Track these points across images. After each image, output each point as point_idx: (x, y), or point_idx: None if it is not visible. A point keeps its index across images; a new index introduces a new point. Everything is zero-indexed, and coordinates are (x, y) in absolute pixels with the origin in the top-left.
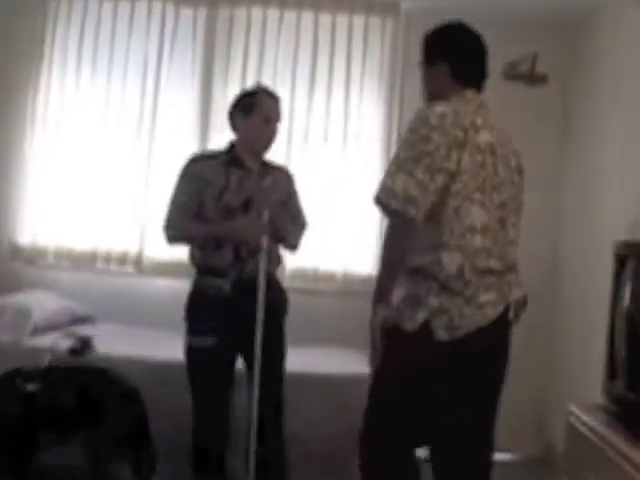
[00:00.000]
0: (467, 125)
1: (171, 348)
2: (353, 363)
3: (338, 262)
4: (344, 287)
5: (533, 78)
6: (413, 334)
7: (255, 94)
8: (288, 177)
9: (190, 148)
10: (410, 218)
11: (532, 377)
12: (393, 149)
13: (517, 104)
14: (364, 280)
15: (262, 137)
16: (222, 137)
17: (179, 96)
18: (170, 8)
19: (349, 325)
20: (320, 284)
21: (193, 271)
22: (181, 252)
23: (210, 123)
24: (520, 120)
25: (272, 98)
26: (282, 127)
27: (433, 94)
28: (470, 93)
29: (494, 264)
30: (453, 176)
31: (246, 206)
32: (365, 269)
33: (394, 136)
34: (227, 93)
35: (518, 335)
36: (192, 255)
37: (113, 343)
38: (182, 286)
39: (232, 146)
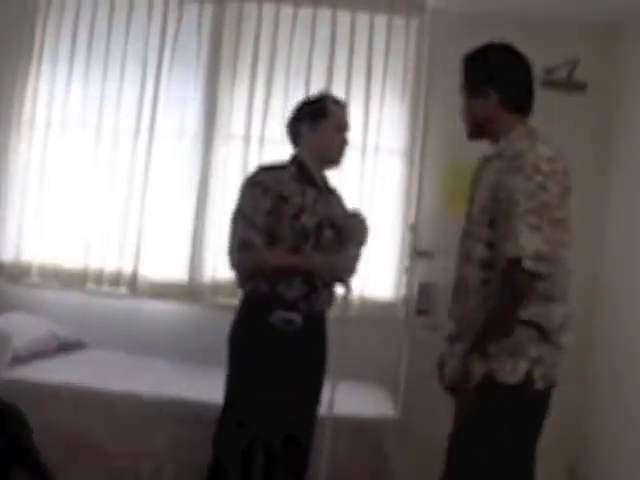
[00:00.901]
0: (561, 168)
1: (170, 382)
2: (379, 403)
3: (355, 286)
4: (361, 313)
5: (571, 86)
6: (515, 386)
7: (322, 101)
8: (340, 198)
9: (192, 157)
10: (540, 275)
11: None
12: (417, 162)
13: (554, 113)
14: (383, 306)
15: (335, 147)
16: (229, 146)
17: (181, 98)
18: (173, 2)
19: (368, 355)
20: (335, 310)
21: (242, 299)
22: (180, 272)
23: (216, 129)
24: (558, 130)
25: (340, 105)
26: None
27: (480, 125)
28: (528, 123)
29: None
30: (565, 226)
31: (319, 229)
32: (385, 294)
33: (418, 148)
34: (234, 96)
35: None
36: (248, 281)
37: (103, 373)
38: (181, 309)
39: (298, 160)
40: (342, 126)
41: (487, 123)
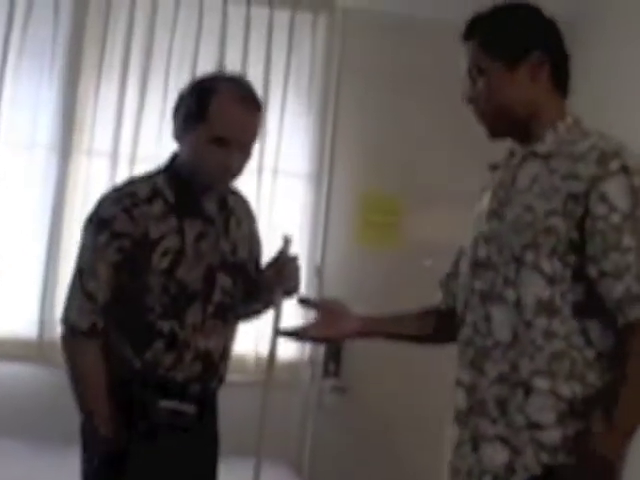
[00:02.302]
0: None
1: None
2: None
3: (249, 342)
4: (257, 377)
5: None
6: None
7: (214, 86)
8: (249, 218)
9: (46, 175)
10: None
11: None
12: (325, 188)
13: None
14: (284, 368)
15: (210, 166)
16: (91, 162)
17: (31, 97)
18: None
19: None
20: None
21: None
22: (27, 327)
23: (74, 134)
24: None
25: (246, 103)
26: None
27: (518, 113)
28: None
29: None
30: None
31: (210, 284)
32: (285, 352)
33: (326, 170)
34: (99, 95)
35: None
36: (119, 355)
37: None
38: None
39: (174, 167)
40: (230, 139)
41: (533, 110)
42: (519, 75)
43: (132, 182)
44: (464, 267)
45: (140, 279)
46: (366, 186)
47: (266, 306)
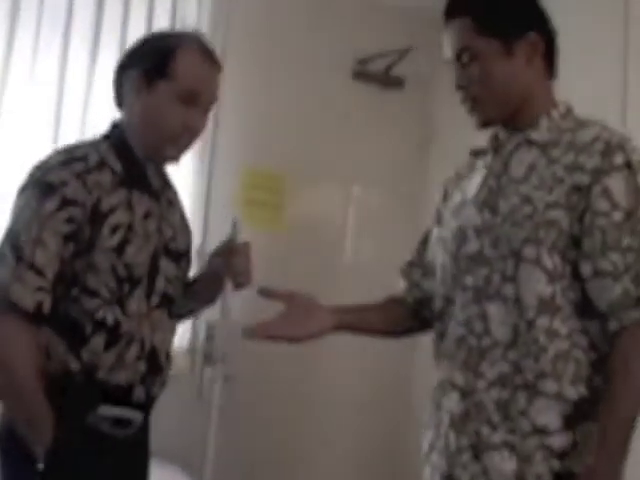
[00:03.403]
0: None
1: None
2: None
3: None
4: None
5: (387, 80)
6: None
7: (176, 41)
8: (179, 200)
9: None
10: None
11: None
12: (206, 164)
13: (369, 109)
14: None
15: (173, 129)
16: None
17: None
18: None
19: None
20: None
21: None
22: None
23: None
24: (374, 129)
25: (207, 57)
26: None
27: (512, 100)
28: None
29: None
30: None
31: (154, 270)
32: None
33: (209, 144)
34: None
35: None
36: (49, 353)
37: None
38: None
39: (120, 136)
40: (199, 94)
41: (526, 95)
42: (515, 57)
43: (78, 147)
44: (442, 259)
45: (84, 257)
46: (250, 164)
47: (204, 304)
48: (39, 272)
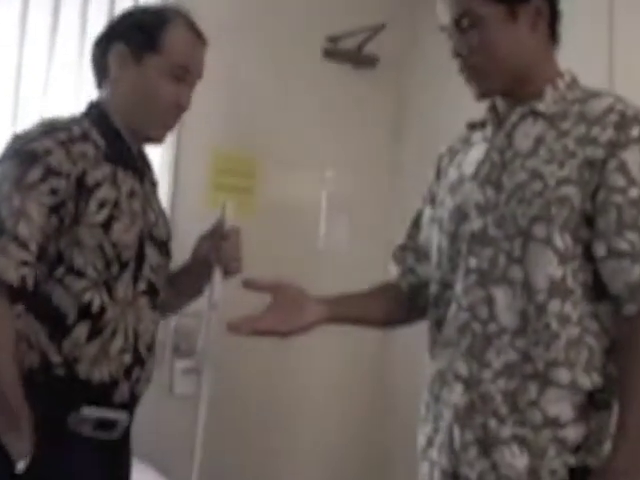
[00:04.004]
0: None
1: None
2: None
3: None
4: None
5: (359, 59)
6: None
7: (165, 15)
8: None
9: None
10: None
11: None
12: (173, 144)
13: (341, 89)
14: None
15: (163, 105)
16: None
17: None
18: None
19: None
20: None
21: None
22: None
23: None
24: (346, 110)
25: (194, 31)
26: None
27: (515, 69)
28: None
29: None
30: None
31: (141, 252)
32: None
33: None
34: None
35: None
36: (28, 343)
37: None
38: None
39: (102, 113)
40: (189, 69)
41: (531, 64)
42: (519, 23)
43: (59, 119)
44: (438, 240)
45: (69, 233)
46: (220, 146)
47: (191, 296)
48: (23, 245)
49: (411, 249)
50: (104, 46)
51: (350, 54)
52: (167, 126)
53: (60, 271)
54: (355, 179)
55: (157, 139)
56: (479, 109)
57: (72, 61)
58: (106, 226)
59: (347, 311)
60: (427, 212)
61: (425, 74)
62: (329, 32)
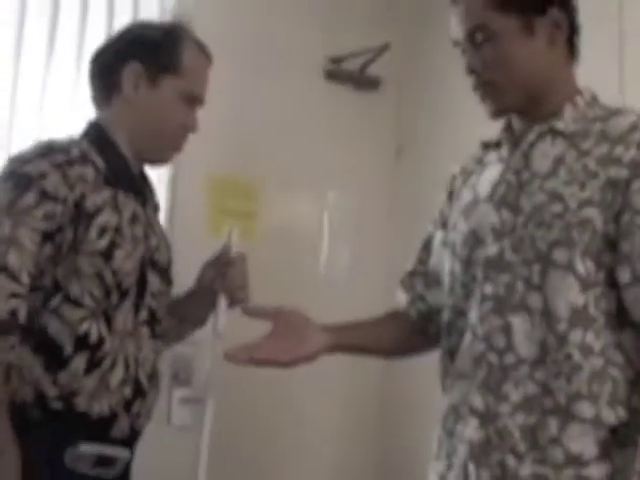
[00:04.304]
0: None
1: None
2: None
3: None
4: None
5: (361, 81)
6: None
7: (178, 35)
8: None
9: None
10: None
11: None
12: (170, 170)
13: (343, 111)
14: None
15: (174, 128)
16: None
17: None
18: None
19: None
20: None
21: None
22: None
23: None
24: (348, 132)
25: (205, 54)
26: None
27: (532, 86)
28: None
29: None
30: None
31: (142, 281)
32: None
33: None
34: None
35: None
36: (21, 376)
37: None
38: None
39: (103, 135)
40: (198, 94)
41: (549, 80)
42: (537, 38)
43: (57, 140)
44: (450, 265)
45: (66, 262)
46: (219, 168)
47: (194, 326)
48: (13, 276)
49: (421, 274)
50: (113, 64)
51: (352, 75)
52: (176, 148)
53: (55, 301)
54: (357, 201)
55: (164, 161)
56: (482, 131)
57: (69, 78)
58: (107, 254)
59: (353, 340)
60: (438, 236)
61: (428, 96)
62: (331, 53)
